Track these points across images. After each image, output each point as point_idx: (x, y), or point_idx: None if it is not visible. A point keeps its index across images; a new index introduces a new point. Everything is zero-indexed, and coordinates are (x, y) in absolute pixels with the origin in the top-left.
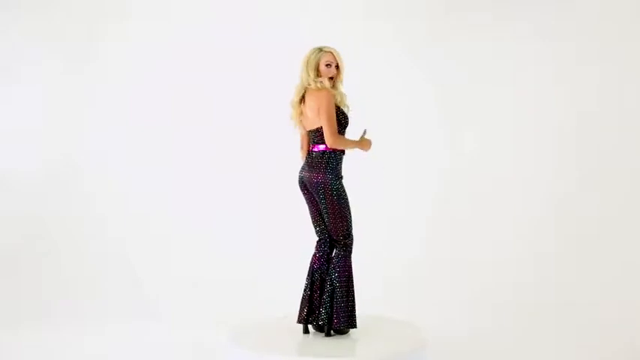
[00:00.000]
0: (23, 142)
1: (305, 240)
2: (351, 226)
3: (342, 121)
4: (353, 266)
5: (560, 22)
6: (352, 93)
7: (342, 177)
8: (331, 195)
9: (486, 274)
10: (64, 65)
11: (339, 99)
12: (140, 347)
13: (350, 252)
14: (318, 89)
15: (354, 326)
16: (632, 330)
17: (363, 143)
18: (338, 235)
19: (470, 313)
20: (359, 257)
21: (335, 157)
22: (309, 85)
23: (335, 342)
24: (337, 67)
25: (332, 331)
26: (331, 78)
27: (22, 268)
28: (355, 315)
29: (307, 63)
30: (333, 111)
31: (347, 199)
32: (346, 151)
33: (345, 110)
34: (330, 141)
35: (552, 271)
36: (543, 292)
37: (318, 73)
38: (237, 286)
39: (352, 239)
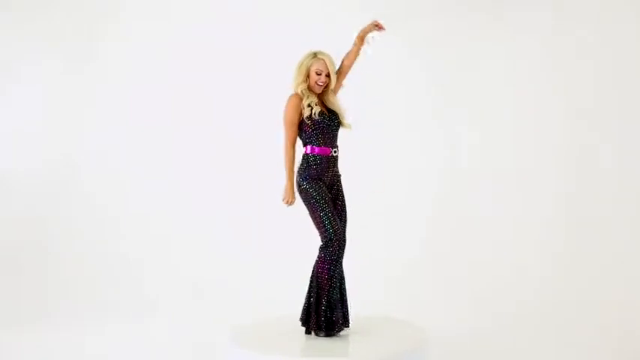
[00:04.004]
0: (23, 142)
1: (305, 240)
2: (329, 230)
3: (303, 127)
4: (351, 267)
5: (560, 22)
6: (352, 93)
7: (313, 178)
8: (300, 195)
9: (486, 274)
10: (64, 65)
11: (304, 104)
12: (140, 347)
13: (327, 256)
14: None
15: (320, 330)
16: (632, 330)
17: (288, 187)
18: (320, 237)
19: (470, 313)
20: (359, 257)
21: (306, 159)
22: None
23: (335, 342)
24: (329, 75)
25: (311, 331)
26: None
27: (23, 268)
28: (325, 321)
29: (299, 67)
30: (290, 115)
31: (320, 202)
32: (343, 152)
33: (314, 113)
34: (284, 143)
35: (552, 271)
36: (543, 292)
37: (307, 79)
38: (237, 286)
39: (333, 244)
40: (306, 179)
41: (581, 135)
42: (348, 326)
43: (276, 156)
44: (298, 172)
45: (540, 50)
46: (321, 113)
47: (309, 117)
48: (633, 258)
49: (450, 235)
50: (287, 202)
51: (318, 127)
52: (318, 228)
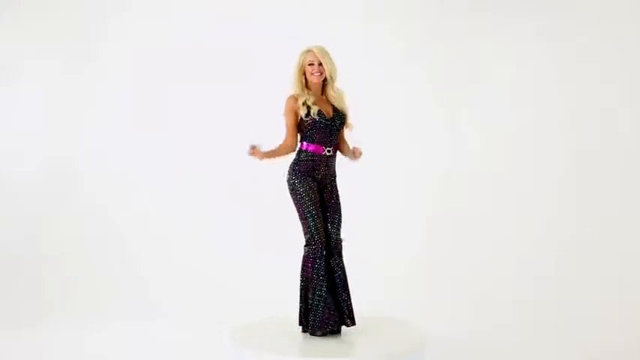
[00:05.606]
0: (23, 142)
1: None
2: (311, 229)
3: (302, 124)
4: (351, 267)
5: (560, 22)
6: (352, 93)
7: (303, 174)
8: (289, 189)
9: (486, 274)
10: (64, 65)
11: (299, 103)
12: (140, 347)
13: (310, 253)
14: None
15: (311, 328)
16: (632, 330)
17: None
18: (303, 233)
19: (470, 313)
20: (359, 257)
21: (299, 154)
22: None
23: (334, 342)
24: (322, 64)
25: (307, 330)
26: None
27: (23, 268)
28: (314, 319)
29: (295, 67)
30: (287, 118)
31: (305, 199)
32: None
33: (313, 113)
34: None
35: (552, 271)
36: (543, 292)
37: (304, 76)
38: (237, 286)
39: (315, 242)
40: (296, 174)
41: (582, 135)
42: (354, 324)
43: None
44: (290, 166)
45: (541, 51)
46: (319, 113)
47: (307, 115)
48: (633, 258)
49: (450, 235)
50: (251, 154)
51: (315, 125)
52: (303, 225)
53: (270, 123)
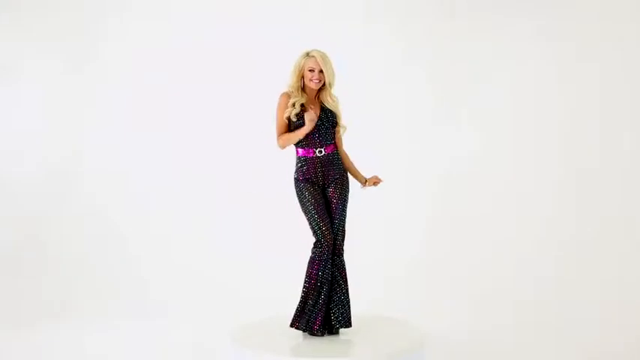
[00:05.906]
0: (23, 142)
1: (306, 240)
2: (317, 233)
3: (291, 126)
4: (351, 267)
5: (560, 22)
6: (352, 93)
7: (301, 180)
8: (295, 193)
9: (486, 275)
10: (64, 65)
11: (289, 102)
12: (140, 347)
13: (317, 256)
14: None
15: (304, 329)
16: (632, 330)
17: (301, 128)
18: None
19: (470, 313)
20: (359, 257)
21: (299, 159)
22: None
23: (334, 342)
24: (322, 71)
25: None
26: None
27: (23, 268)
28: (307, 319)
29: (293, 69)
30: (279, 112)
31: (307, 204)
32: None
33: (293, 117)
34: (277, 143)
35: (552, 271)
36: (543, 292)
37: (302, 79)
38: (237, 286)
39: (322, 245)
40: (296, 182)
41: (582, 135)
42: (349, 326)
43: (275, 155)
44: (294, 170)
45: (541, 51)
46: (298, 114)
47: (289, 117)
48: (633, 258)
49: (450, 235)
50: (313, 117)
51: (297, 128)
52: (309, 226)
53: (270, 123)
